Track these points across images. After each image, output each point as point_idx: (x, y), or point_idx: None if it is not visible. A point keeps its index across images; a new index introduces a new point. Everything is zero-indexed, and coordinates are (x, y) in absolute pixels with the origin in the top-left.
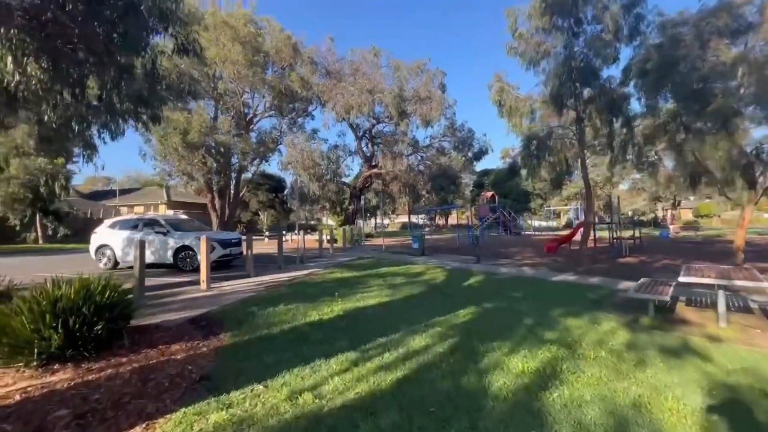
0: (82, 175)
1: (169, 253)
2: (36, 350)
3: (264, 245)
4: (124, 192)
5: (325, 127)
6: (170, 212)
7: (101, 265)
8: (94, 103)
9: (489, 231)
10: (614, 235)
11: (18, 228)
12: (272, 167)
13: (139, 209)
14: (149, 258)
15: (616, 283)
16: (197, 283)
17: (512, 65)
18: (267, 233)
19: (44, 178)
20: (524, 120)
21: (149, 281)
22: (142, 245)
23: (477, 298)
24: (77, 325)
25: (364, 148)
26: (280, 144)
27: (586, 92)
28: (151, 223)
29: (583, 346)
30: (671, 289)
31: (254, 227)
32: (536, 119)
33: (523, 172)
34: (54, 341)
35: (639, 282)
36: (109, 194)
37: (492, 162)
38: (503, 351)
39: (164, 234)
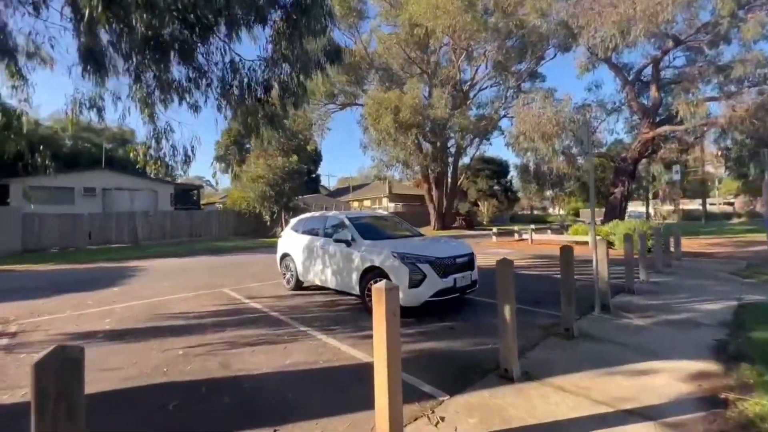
0: (336, 177)
1: (354, 276)
2: None
3: (489, 247)
4: (356, 188)
5: (580, 69)
6: (391, 205)
7: (284, 282)
8: None
9: None
10: None
11: (269, 224)
12: (494, 148)
13: (367, 203)
14: (330, 282)
15: None
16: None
17: None
18: (494, 230)
19: (283, 175)
20: None
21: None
22: None
23: None
24: None
25: (641, 98)
26: (504, 116)
27: None
28: (335, 225)
29: None
30: None
31: (473, 220)
32: None
33: None
34: None
35: None
36: (347, 191)
37: None
38: None
39: (347, 244)
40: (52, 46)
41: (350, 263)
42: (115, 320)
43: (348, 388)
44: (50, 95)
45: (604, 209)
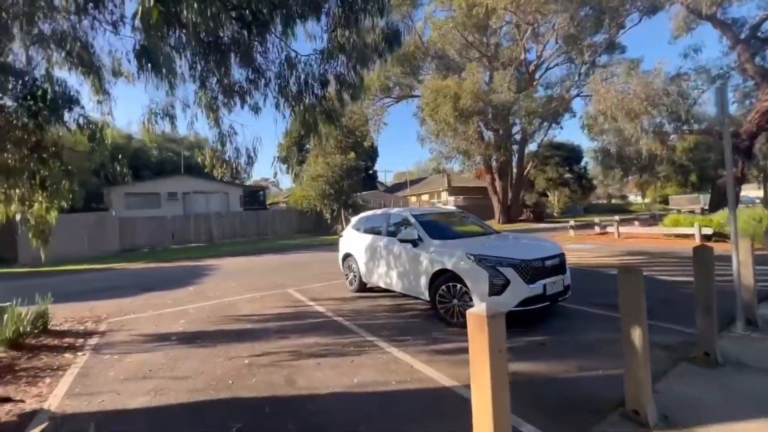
0: (392, 172)
1: (422, 280)
2: None
3: (568, 242)
4: (413, 182)
5: (676, 30)
6: (451, 198)
7: (347, 283)
8: None
9: None
10: None
11: (329, 221)
12: (565, 132)
13: (425, 198)
14: (395, 285)
15: None
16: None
17: None
18: (571, 223)
19: (341, 173)
20: None
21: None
22: None
23: None
24: None
25: (757, 60)
26: (577, 95)
27: None
28: (398, 223)
29: None
30: None
31: (542, 211)
32: None
33: None
34: None
35: None
36: (404, 186)
37: None
38: None
39: (414, 244)
40: (128, 61)
41: (418, 265)
42: (188, 321)
43: (428, 420)
44: (140, 112)
45: (709, 195)
